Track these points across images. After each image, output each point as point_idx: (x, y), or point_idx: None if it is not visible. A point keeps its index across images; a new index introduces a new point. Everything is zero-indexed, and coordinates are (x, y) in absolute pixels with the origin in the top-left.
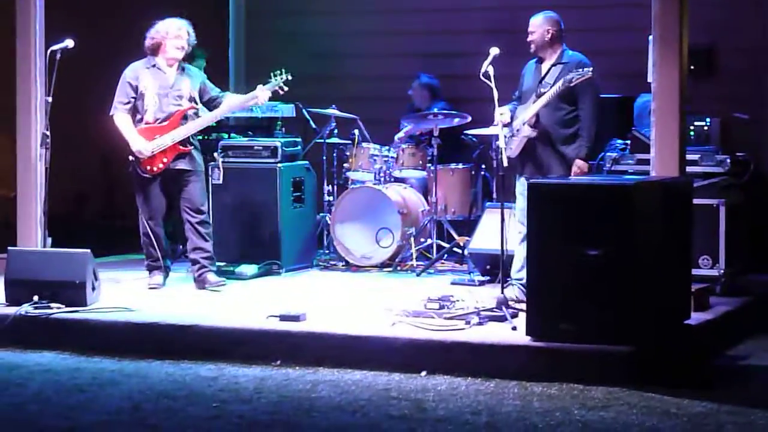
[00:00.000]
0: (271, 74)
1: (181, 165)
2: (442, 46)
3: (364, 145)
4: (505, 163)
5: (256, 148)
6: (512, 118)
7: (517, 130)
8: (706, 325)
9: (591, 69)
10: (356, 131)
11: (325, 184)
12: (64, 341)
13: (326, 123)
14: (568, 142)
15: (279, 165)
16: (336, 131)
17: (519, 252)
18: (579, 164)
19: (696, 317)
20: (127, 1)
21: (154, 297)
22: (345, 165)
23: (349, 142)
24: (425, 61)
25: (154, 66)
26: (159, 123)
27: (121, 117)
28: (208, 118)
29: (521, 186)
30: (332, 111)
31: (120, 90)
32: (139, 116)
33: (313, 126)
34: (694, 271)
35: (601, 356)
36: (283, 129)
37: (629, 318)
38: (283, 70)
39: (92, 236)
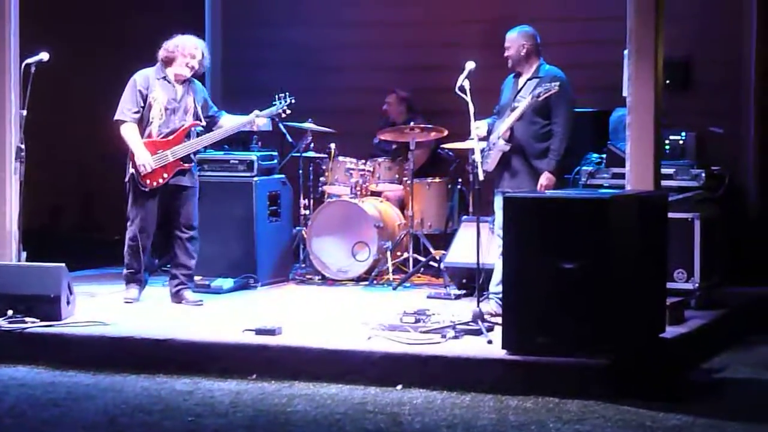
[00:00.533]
0: (275, 96)
1: (181, 181)
2: (418, 59)
3: (341, 158)
4: (481, 177)
5: (232, 162)
6: (490, 132)
7: (493, 144)
8: (681, 338)
9: (559, 84)
10: (332, 145)
11: (302, 197)
12: (39, 355)
13: (302, 137)
14: (542, 155)
15: (255, 179)
16: (312, 145)
17: (498, 266)
18: (546, 176)
19: (671, 331)
20: (102, 14)
21: (129, 311)
22: (321, 179)
23: (326, 155)
24: (402, 74)
25: (164, 78)
26: (163, 137)
27: (129, 127)
28: (210, 137)
29: (499, 200)
30: (308, 125)
31: (129, 96)
32: (142, 127)
33: (290, 140)
34: (670, 285)
35: (577, 369)
36: (260, 143)
37: (605, 331)
38: (287, 94)
39: (68, 249)
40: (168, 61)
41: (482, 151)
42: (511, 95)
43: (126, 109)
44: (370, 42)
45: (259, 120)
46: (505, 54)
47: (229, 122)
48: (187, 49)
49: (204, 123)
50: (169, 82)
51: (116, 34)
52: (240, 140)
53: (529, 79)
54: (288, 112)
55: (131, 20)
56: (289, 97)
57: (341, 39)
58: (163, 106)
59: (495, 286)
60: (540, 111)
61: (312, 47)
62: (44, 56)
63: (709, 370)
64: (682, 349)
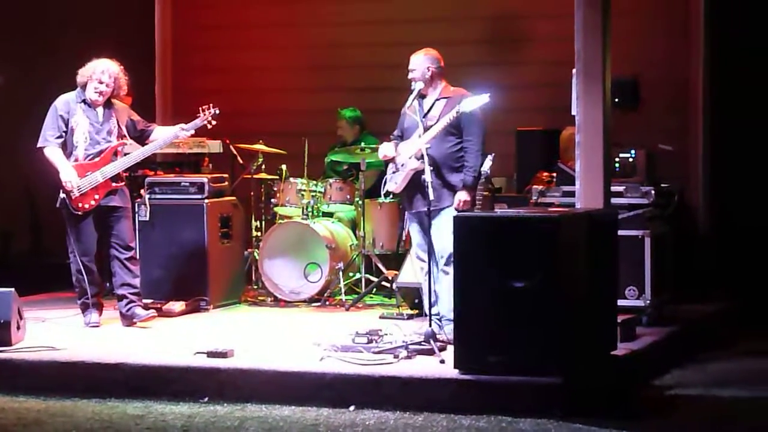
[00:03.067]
0: (200, 109)
1: (113, 202)
2: (367, 80)
3: (292, 179)
4: (382, 194)
5: (183, 184)
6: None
7: (402, 165)
8: (632, 355)
9: (488, 95)
10: (284, 166)
11: (253, 219)
12: None
13: (253, 158)
14: (456, 171)
15: (206, 201)
16: (263, 166)
17: (426, 287)
18: (461, 195)
19: (623, 347)
20: (55, 38)
21: (80, 335)
22: (273, 200)
23: (277, 177)
24: (352, 95)
25: (84, 101)
26: (90, 159)
27: (52, 150)
28: (138, 153)
29: (415, 224)
30: (259, 146)
31: (51, 122)
32: (67, 152)
33: (240, 161)
34: (621, 302)
35: (529, 388)
36: (210, 165)
37: (556, 349)
38: (211, 105)
39: (17, 275)
40: (83, 85)
41: (387, 173)
42: (419, 116)
43: (48, 135)
44: (319, 64)
45: (182, 134)
46: (410, 76)
47: (161, 134)
48: (96, 74)
49: (129, 142)
50: (89, 105)
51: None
52: (191, 163)
53: (437, 100)
54: (213, 122)
55: (84, 45)
56: (213, 107)
57: (289, 62)
58: (86, 129)
59: (431, 308)
60: (452, 129)
61: (260, 70)
62: None
63: (660, 386)
64: (634, 366)
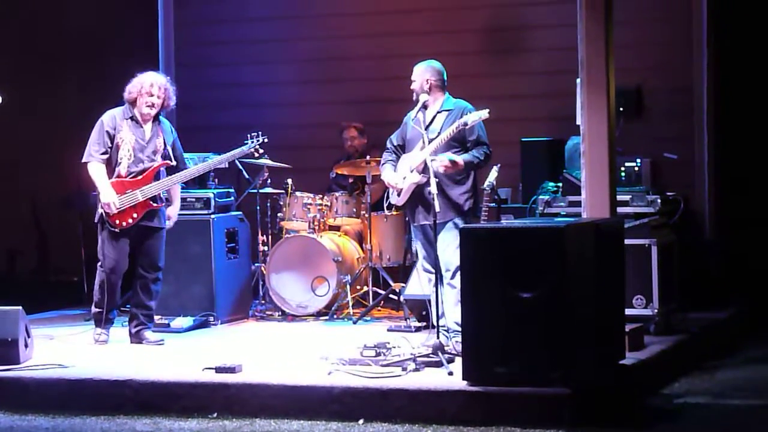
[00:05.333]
0: (248, 136)
1: (150, 222)
2: (371, 92)
3: (298, 194)
4: (386, 206)
5: (189, 199)
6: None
7: (404, 178)
8: (640, 364)
9: (488, 110)
10: (289, 180)
11: (260, 234)
12: None
13: (259, 173)
14: (460, 182)
15: (212, 216)
16: (269, 181)
17: (433, 299)
18: (449, 158)
19: (631, 357)
20: (59, 57)
21: (88, 352)
22: (279, 214)
23: (283, 191)
24: (356, 107)
25: (131, 118)
26: (132, 177)
27: (96, 166)
28: (180, 176)
29: (417, 233)
30: (265, 160)
31: (97, 138)
32: (111, 168)
33: (246, 176)
34: (628, 311)
35: (538, 399)
36: (216, 180)
37: (564, 359)
38: (259, 133)
39: (25, 293)
40: (132, 102)
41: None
42: (421, 128)
43: (93, 151)
44: (321, 78)
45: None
46: (411, 87)
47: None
48: (144, 88)
49: (174, 162)
50: (136, 122)
51: (70, 75)
52: (196, 178)
53: (438, 112)
54: (261, 151)
55: (88, 62)
56: (262, 135)
57: (293, 76)
58: (131, 146)
59: (438, 319)
60: (453, 142)
61: (264, 84)
62: (1, 98)
63: (669, 395)
64: (642, 375)
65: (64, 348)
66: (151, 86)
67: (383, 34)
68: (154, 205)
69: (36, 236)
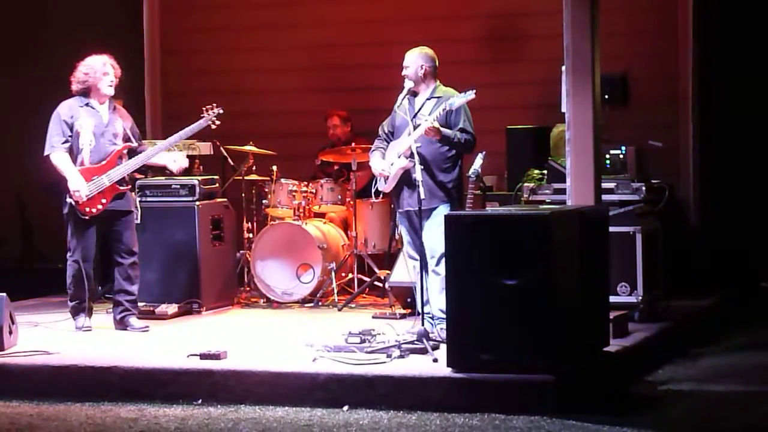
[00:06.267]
0: (203, 109)
1: (119, 206)
2: (356, 80)
3: (283, 180)
4: (373, 192)
5: (173, 186)
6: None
7: (391, 164)
8: (624, 351)
9: (474, 91)
10: (274, 167)
11: (245, 221)
12: None
13: (244, 160)
14: (447, 170)
15: (197, 203)
16: (254, 168)
17: (418, 286)
18: (437, 126)
19: (615, 344)
20: (42, 44)
21: (73, 339)
22: (264, 201)
23: (268, 178)
24: (340, 95)
25: (87, 105)
26: (96, 163)
27: (59, 155)
28: (143, 156)
29: (402, 220)
30: (250, 148)
31: (55, 128)
32: (73, 156)
33: (231, 163)
34: (613, 299)
35: (522, 385)
36: (201, 167)
37: (549, 347)
38: (214, 105)
39: (9, 279)
40: (88, 90)
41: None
42: (409, 115)
43: (54, 141)
44: (309, 65)
45: (181, 161)
46: (403, 73)
47: (157, 149)
48: (100, 69)
49: (134, 145)
50: (93, 108)
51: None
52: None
53: (427, 99)
54: (218, 123)
55: (75, 50)
56: (217, 107)
57: (278, 63)
58: (91, 132)
59: (425, 306)
60: (441, 126)
61: (249, 72)
62: None
63: (652, 382)
64: (626, 363)
65: (49, 335)
66: (104, 65)
67: (370, 21)
68: (121, 188)
69: (20, 224)
